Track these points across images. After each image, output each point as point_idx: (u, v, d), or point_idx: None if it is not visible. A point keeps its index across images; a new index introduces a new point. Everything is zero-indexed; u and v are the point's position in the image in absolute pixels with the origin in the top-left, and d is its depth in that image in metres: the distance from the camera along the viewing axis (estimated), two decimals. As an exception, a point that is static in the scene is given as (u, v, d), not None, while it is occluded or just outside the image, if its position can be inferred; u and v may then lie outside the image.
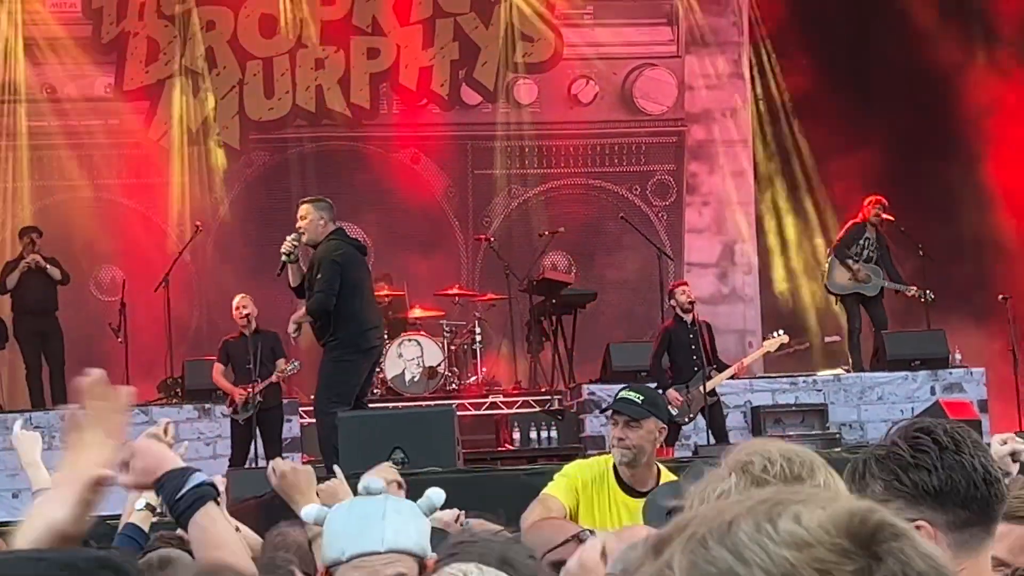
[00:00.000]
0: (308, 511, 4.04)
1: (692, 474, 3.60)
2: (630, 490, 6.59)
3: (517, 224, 19.86)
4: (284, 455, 15.08)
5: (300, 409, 16.26)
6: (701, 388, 14.70)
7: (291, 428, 15.70)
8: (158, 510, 5.21)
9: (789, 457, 2.71)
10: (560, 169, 20.15)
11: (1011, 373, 16.09)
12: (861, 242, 17.00)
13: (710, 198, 20.52)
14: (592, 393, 15.89)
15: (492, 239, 18.84)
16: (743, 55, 20.43)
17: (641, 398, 6.78)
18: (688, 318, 15.08)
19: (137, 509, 5.37)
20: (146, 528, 5.33)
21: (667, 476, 6.61)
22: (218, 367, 15.30)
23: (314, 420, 13.34)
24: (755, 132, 20.37)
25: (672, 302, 15.27)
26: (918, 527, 2.84)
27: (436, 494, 3.91)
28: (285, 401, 15.63)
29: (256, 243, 19.12)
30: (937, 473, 2.91)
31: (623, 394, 6.90)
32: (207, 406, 15.52)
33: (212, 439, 15.43)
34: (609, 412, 6.93)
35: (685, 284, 15.84)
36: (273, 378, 15.06)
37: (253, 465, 14.71)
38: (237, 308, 15.27)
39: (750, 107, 20.38)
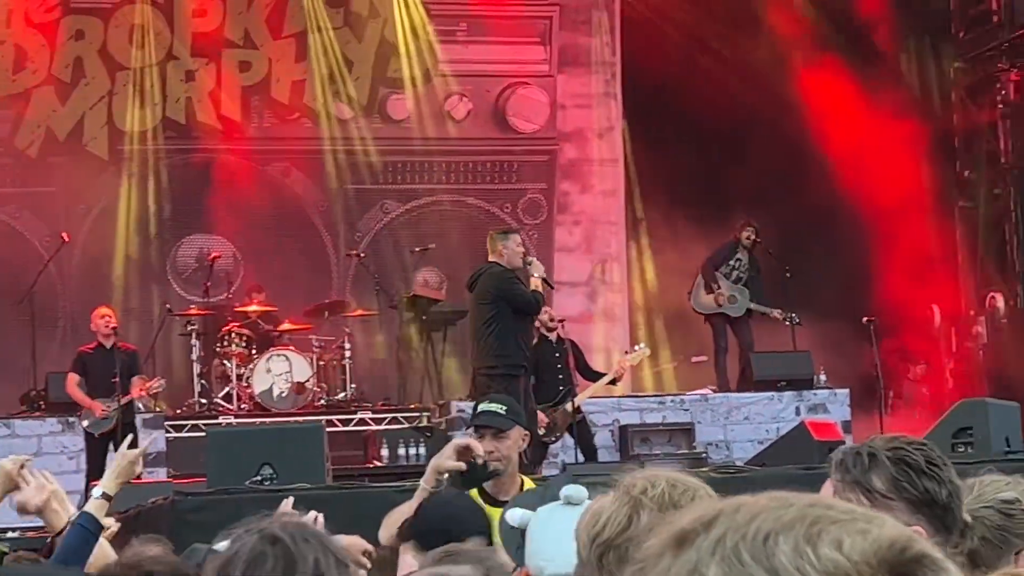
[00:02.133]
0: (513, 514, 3.74)
1: (555, 485, 3.62)
2: (491, 499, 6.61)
3: (389, 240, 19.79)
4: (149, 471, 14.97)
5: (166, 423, 16.10)
6: (567, 406, 14.72)
7: (157, 443, 15.51)
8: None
9: (674, 484, 2.73)
10: (432, 185, 20.11)
11: (875, 394, 16.30)
12: (732, 262, 17.17)
13: (581, 217, 20.61)
14: (461, 410, 15.84)
15: (363, 255, 18.79)
16: (615, 75, 20.55)
17: (504, 408, 6.83)
18: (553, 336, 15.11)
19: (95, 497, 5.36)
20: (100, 517, 5.26)
21: (529, 484, 6.67)
22: (73, 377, 15.05)
23: (191, 434, 15.19)
24: (626, 151, 20.49)
25: (536, 323, 15.24)
26: (916, 531, 2.87)
27: None
28: (150, 415, 15.52)
29: (123, 255, 18.90)
30: (946, 487, 2.94)
31: (484, 407, 6.94)
32: (70, 419, 15.29)
33: (75, 453, 15.20)
34: (474, 428, 6.94)
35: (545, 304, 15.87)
36: (135, 394, 14.87)
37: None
38: (103, 317, 15.07)
39: (622, 126, 20.50)
